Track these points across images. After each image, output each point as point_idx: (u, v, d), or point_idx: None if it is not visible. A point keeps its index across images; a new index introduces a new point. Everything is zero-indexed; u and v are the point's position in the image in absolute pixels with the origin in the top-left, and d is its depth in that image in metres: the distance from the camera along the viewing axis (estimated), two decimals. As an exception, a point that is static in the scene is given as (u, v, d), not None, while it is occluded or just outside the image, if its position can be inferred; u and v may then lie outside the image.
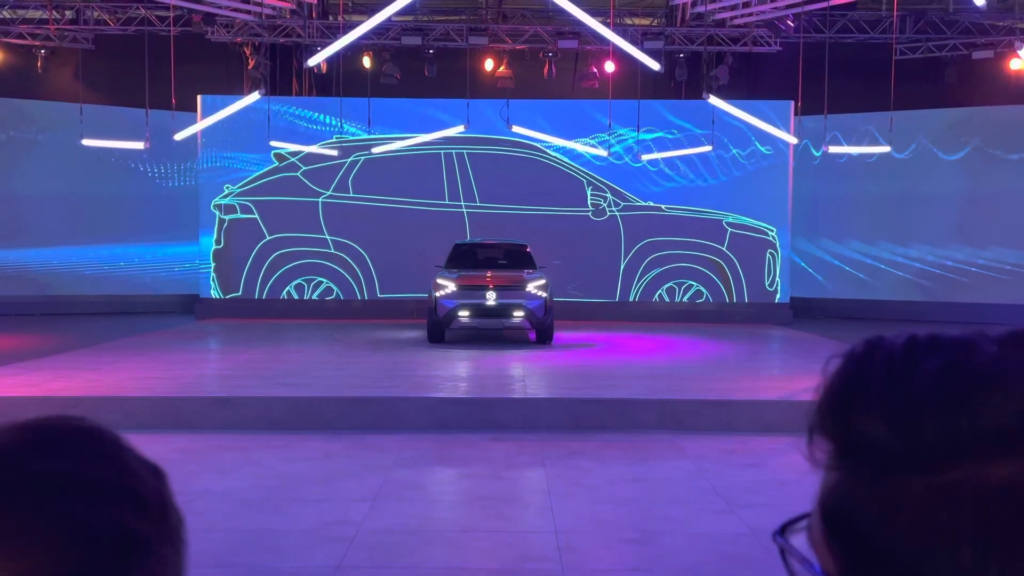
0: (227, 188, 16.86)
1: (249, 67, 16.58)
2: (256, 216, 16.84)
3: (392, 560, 4.55)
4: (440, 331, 12.44)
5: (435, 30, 16.09)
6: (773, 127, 14.48)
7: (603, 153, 16.12)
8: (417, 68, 16.55)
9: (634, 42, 14.00)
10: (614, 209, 16.96)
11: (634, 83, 15.70)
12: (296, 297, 16.97)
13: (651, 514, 5.34)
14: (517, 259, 13.45)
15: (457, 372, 9.85)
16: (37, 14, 16.04)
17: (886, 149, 13.98)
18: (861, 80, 16.01)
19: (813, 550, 0.52)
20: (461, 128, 15.22)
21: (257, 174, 16.86)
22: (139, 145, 13.60)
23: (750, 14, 14.44)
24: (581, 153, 16.62)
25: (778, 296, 17.12)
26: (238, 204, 16.86)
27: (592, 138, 16.63)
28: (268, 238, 16.83)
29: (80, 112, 14.13)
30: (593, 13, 11.51)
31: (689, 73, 16.78)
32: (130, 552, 0.51)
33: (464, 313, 12.21)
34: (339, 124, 16.41)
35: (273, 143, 15.60)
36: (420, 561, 4.55)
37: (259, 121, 15.10)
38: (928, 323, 15.54)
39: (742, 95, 17.12)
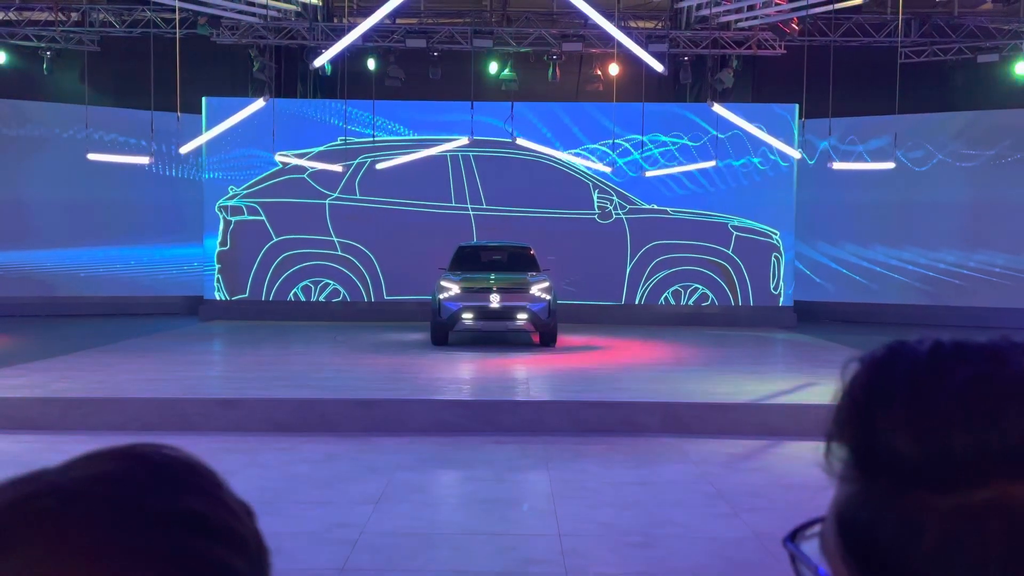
0: (231, 190, 16.89)
1: (254, 70, 16.61)
2: (263, 218, 16.86)
3: (395, 563, 4.54)
4: (443, 333, 12.43)
5: (439, 32, 16.11)
6: (777, 140, 14.48)
7: (606, 169, 16.27)
8: (421, 70, 16.57)
9: (638, 45, 13.99)
10: (620, 212, 16.98)
11: (638, 86, 15.70)
12: (303, 299, 16.99)
13: (655, 518, 5.33)
14: (521, 261, 13.45)
15: (460, 375, 9.84)
16: (43, 16, 16.09)
17: (890, 166, 13.95)
18: (866, 84, 16.00)
19: (825, 560, 0.50)
20: (465, 140, 15.33)
21: (262, 176, 16.88)
22: (144, 160, 13.59)
23: (755, 17, 14.43)
24: (587, 152, 16.71)
25: (782, 300, 17.11)
26: (245, 206, 16.89)
27: (599, 144, 16.69)
28: (275, 239, 16.86)
29: (86, 113, 14.16)
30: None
31: (693, 76, 16.78)
32: None
33: (467, 316, 12.21)
34: (344, 127, 16.44)
35: (279, 157, 15.67)
36: (423, 564, 4.54)
37: (264, 123, 15.12)
38: (933, 327, 15.50)
39: (746, 98, 17.12)
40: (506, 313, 12.21)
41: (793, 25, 14.60)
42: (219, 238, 16.93)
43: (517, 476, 6.35)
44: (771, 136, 14.50)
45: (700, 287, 17.02)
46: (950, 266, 16.98)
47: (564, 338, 13.24)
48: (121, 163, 14.60)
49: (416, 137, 17.13)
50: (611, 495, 5.83)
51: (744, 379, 9.43)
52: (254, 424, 7.60)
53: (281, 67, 17.25)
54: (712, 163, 15.46)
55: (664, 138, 16.93)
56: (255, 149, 16.67)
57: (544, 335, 12.45)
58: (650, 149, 16.78)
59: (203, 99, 16.50)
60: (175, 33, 13.18)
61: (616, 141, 16.39)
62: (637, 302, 17.02)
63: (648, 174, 15.69)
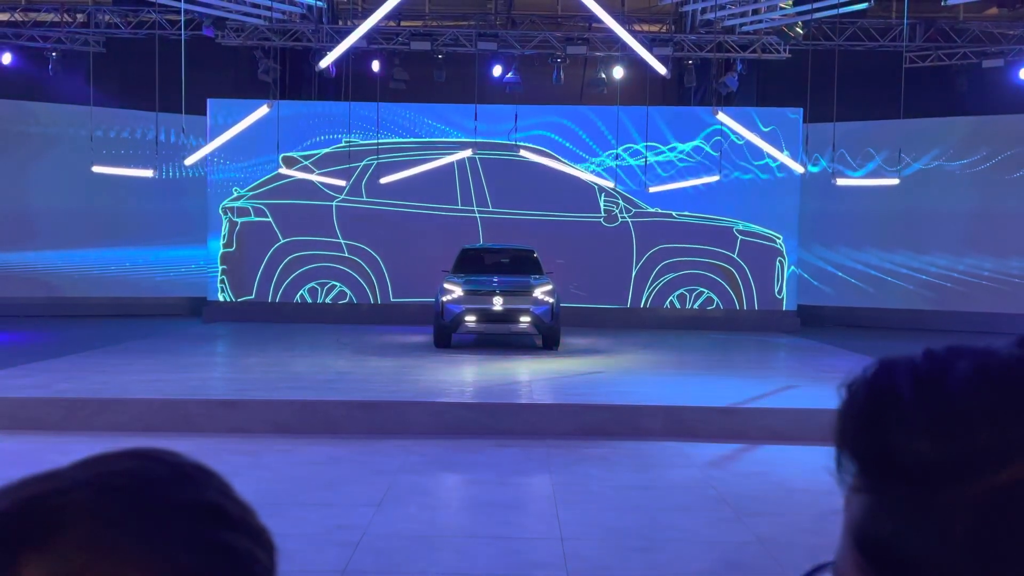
0: (236, 191, 16.91)
1: (259, 72, 16.63)
2: (270, 219, 16.88)
3: (397, 565, 4.54)
4: (446, 336, 12.42)
5: (444, 35, 16.12)
6: (781, 153, 14.49)
7: (609, 184, 16.35)
8: (426, 73, 16.58)
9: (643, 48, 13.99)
10: (626, 216, 16.99)
11: (642, 90, 15.70)
12: (310, 301, 17.00)
13: (658, 522, 5.32)
14: (524, 264, 13.44)
15: (463, 377, 9.84)
16: (48, 17, 16.14)
17: (894, 182, 13.96)
18: (871, 88, 15.98)
19: None
20: (468, 152, 15.38)
21: (268, 176, 16.90)
22: (148, 173, 13.59)
23: (759, 21, 14.43)
24: (592, 165, 16.82)
25: (785, 304, 17.10)
26: (252, 207, 16.91)
27: (604, 155, 16.78)
28: (282, 241, 16.88)
29: (91, 114, 14.19)
30: (602, 20, 11.49)
31: (698, 80, 16.77)
32: None
33: (470, 318, 12.19)
34: (348, 129, 16.46)
35: (283, 170, 15.75)
36: (425, 567, 4.53)
37: (269, 124, 15.14)
38: (936, 332, 15.47)
39: (751, 102, 17.11)
40: (509, 316, 12.20)
41: (797, 29, 14.57)
42: (223, 239, 16.94)
43: (519, 479, 6.34)
44: (775, 148, 14.52)
45: (705, 291, 17.02)
46: (954, 271, 16.95)
47: (567, 341, 13.23)
48: (126, 153, 14.64)
49: (421, 140, 17.16)
50: (614, 499, 5.81)
51: (747, 383, 9.42)
52: (257, 425, 7.61)
53: (286, 69, 17.28)
54: (716, 178, 15.51)
55: (665, 149, 16.95)
56: (260, 150, 16.71)
57: (547, 338, 12.44)
58: (661, 152, 16.83)
59: (208, 101, 16.53)
60: (180, 35, 13.21)
61: (620, 152, 16.50)
62: (643, 305, 17.02)
63: (652, 190, 15.78)
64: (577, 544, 4.84)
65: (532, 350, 12.49)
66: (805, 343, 14.25)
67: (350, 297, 16.99)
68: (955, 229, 16.78)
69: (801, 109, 16.20)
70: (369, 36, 15.08)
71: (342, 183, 15.95)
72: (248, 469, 6.37)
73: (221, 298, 16.92)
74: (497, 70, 16.52)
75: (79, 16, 16.10)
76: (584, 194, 16.75)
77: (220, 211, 16.91)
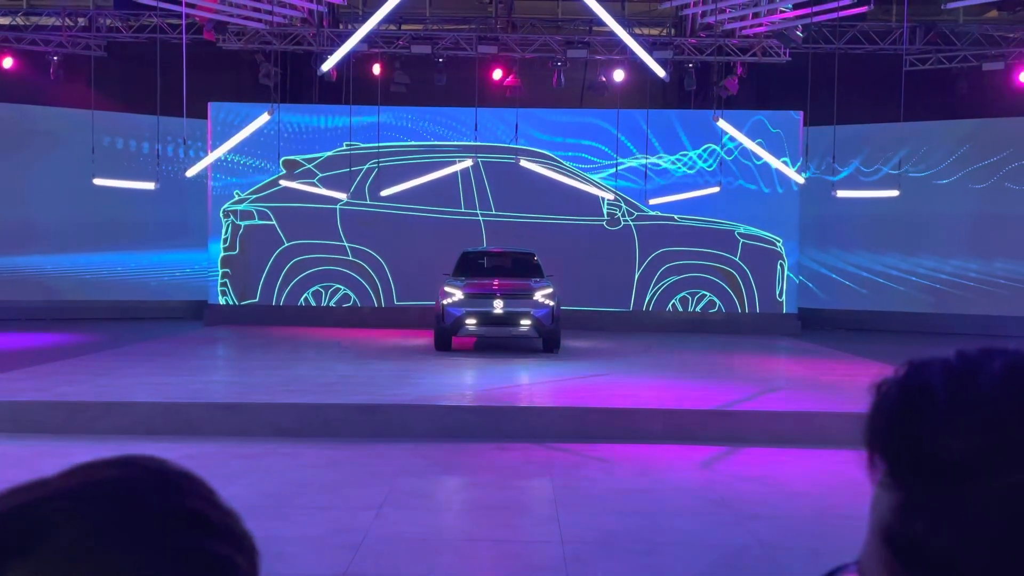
0: (237, 194, 16.93)
1: (259, 75, 16.66)
2: (274, 222, 16.91)
3: (398, 569, 4.54)
4: (447, 339, 12.43)
5: (444, 39, 16.15)
6: (781, 163, 14.52)
7: (609, 196, 16.42)
8: (427, 77, 16.61)
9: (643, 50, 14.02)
10: (628, 219, 17.03)
11: (643, 93, 15.72)
12: (314, 304, 17.02)
13: (658, 525, 5.32)
14: (524, 267, 13.46)
15: (464, 380, 9.85)
16: (50, 21, 16.18)
17: (894, 193, 13.99)
18: (871, 91, 15.99)
19: None
20: (468, 163, 15.43)
21: (269, 180, 16.92)
22: (149, 185, 13.61)
23: (759, 24, 14.44)
24: (594, 165, 16.87)
25: (785, 307, 17.11)
26: (255, 210, 16.93)
27: (605, 162, 16.85)
28: (287, 244, 16.90)
29: (92, 118, 14.21)
30: (602, 23, 11.53)
31: (698, 83, 16.80)
32: None
33: (471, 321, 12.21)
34: (349, 132, 16.49)
35: (284, 182, 15.82)
36: (426, 570, 4.54)
37: (270, 128, 15.16)
38: (936, 335, 15.47)
39: (751, 106, 17.13)
40: (509, 319, 12.21)
41: (798, 33, 14.58)
42: (225, 242, 16.95)
43: (520, 482, 6.35)
44: (774, 157, 14.55)
45: (707, 294, 17.05)
46: (954, 275, 16.96)
47: (568, 344, 13.24)
48: (126, 155, 14.64)
49: (422, 143, 17.19)
50: (614, 502, 5.82)
51: (747, 386, 9.42)
52: (258, 429, 7.62)
53: (287, 72, 17.31)
54: (716, 189, 15.52)
55: (677, 155, 17.01)
56: (262, 154, 16.74)
57: (547, 341, 12.45)
58: (661, 160, 16.90)
59: (209, 104, 16.56)
60: (181, 38, 13.24)
61: (618, 167, 16.58)
62: (645, 308, 17.04)
63: (652, 201, 15.82)
64: (577, 547, 4.85)
65: (532, 353, 12.50)
66: (805, 346, 14.25)
67: (354, 300, 17.00)
68: (955, 232, 16.78)
69: (800, 113, 16.23)
70: (370, 40, 15.11)
71: (342, 196, 15.95)
72: (250, 473, 6.38)
73: (222, 302, 16.93)
74: (497, 74, 16.56)
75: (80, 20, 16.14)
76: (586, 198, 16.78)
77: (221, 214, 16.92)
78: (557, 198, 16.73)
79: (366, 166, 16.79)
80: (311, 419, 7.74)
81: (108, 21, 16.10)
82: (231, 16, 14.28)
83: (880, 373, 0.53)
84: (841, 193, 14.23)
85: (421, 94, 16.92)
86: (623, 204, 16.97)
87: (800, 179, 14.70)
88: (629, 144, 16.84)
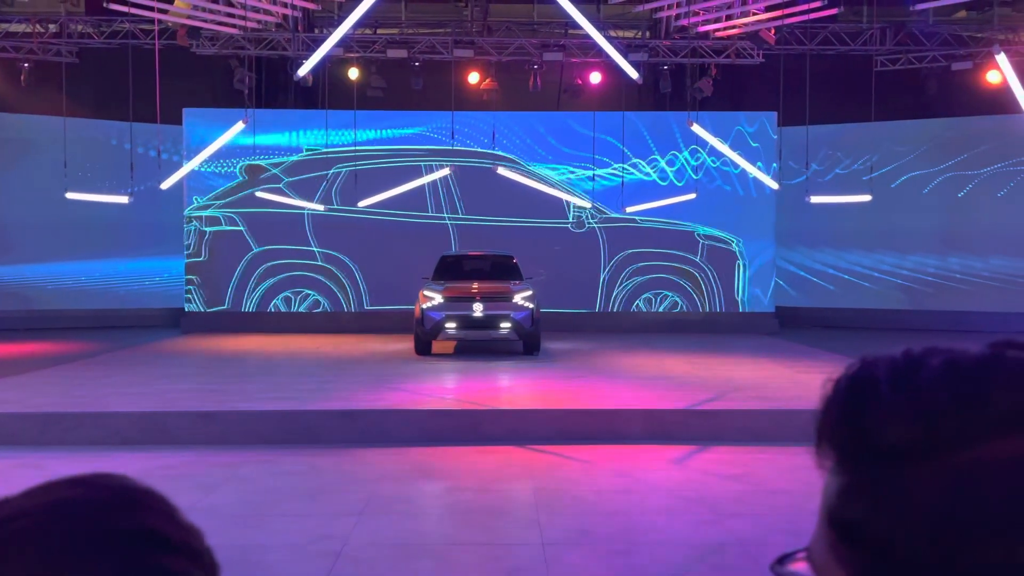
0: (196, 200, 16.80)
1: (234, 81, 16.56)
2: (242, 228, 16.80)
3: (380, 574, 4.54)
4: (427, 343, 12.43)
5: (420, 43, 16.14)
6: (755, 168, 14.67)
7: (586, 205, 16.52)
8: (403, 80, 16.59)
9: (618, 53, 14.09)
10: (593, 222, 17.15)
11: (619, 96, 15.80)
12: (284, 310, 16.93)
13: (638, 525, 5.36)
14: (503, 271, 13.48)
15: (444, 384, 9.84)
16: (20, 27, 15.98)
17: (867, 198, 14.19)
18: (842, 91, 16.17)
19: (816, 573, 0.53)
20: (446, 171, 15.44)
21: (233, 185, 16.83)
22: (123, 199, 13.47)
23: (733, 26, 14.56)
24: (565, 174, 17.00)
25: (762, 306, 17.25)
26: (222, 216, 16.82)
27: (580, 170, 16.96)
28: (256, 250, 16.80)
29: (64, 125, 14.06)
30: (577, 26, 11.59)
31: (673, 85, 16.91)
32: None
33: (451, 325, 12.21)
34: (325, 135, 16.46)
35: (260, 194, 15.85)
36: (407, 575, 4.54)
37: (243, 133, 15.06)
38: (911, 331, 15.66)
39: (725, 107, 17.27)
40: (489, 322, 12.23)
41: (771, 34, 14.71)
42: (188, 248, 16.82)
43: (501, 485, 6.36)
44: (748, 163, 14.68)
45: (670, 294, 17.21)
46: (925, 273, 17.21)
47: (547, 345, 13.27)
48: (99, 164, 14.50)
49: (396, 147, 17.19)
50: (594, 502, 5.85)
51: (725, 385, 9.49)
52: (236, 437, 7.57)
53: (262, 77, 17.22)
54: (692, 196, 15.62)
55: (653, 160, 17.12)
56: (236, 158, 16.65)
57: (527, 343, 12.48)
58: (635, 167, 17.05)
59: (183, 110, 16.43)
60: (154, 44, 13.13)
61: (595, 171, 16.68)
62: (611, 309, 17.16)
63: (629, 209, 15.92)
64: (558, 549, 4.86)
65: (512, 356, 12.51)
66: (783, 344, 14.37)
67: (324, 306, 16.95)
68: (927, 230, 17.01)
69: (774, 113, 16.39)
70: (345, 44, 15.07)
71: (319, 207, 15.94)
72: (228, 481, 6.35)
73: (188, 308, 16.80)
74: (474, 77, 16.58)
75: (51, 26, 15.96)
76: (553, 201, 16.86)
77: (185, 222, 16.79)
78: (525, 202, 16.78)
79: (332, 170, 16.78)
80: (290, 426, 7.70)
81: (79, 27, 15.93)
82: (204, 22, 14.19)
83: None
84: (815, 199, 14.38)
85: (397, 98, 16.90)
86: (588, 208, 17.00)
87: (774, 184, 14.84)
88: (607, 147, 16.91)
